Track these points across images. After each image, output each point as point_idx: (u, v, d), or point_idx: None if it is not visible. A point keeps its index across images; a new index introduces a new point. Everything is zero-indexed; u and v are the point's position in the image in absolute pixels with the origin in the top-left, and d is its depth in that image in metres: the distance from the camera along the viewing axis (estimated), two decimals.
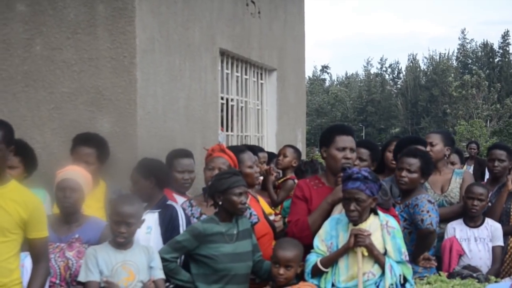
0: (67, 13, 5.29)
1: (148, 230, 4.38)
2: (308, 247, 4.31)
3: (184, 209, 4.62)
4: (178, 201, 4.84)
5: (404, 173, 5.11)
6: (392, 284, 4.11)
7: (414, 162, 5.10)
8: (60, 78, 5.32)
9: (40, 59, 5.35)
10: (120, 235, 3.96)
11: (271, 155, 6.98)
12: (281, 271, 4.18)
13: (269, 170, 6.21)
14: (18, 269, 3.60)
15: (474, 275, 4.90)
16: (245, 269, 4.31)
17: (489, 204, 5.69)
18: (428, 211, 4.89)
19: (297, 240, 4.35)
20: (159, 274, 4.06)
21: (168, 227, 4.38)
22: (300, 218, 4.46)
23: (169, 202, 4.56)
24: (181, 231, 4.36)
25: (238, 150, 5.28)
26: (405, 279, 4.21)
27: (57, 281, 4.07)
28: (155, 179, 4.56)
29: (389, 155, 5.95)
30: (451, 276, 4.94)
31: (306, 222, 4.41)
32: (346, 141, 4.51)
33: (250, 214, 4.71)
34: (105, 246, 4.01)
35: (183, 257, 4.33)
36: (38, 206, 3.62)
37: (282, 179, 6.47)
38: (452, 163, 6.93)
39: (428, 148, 5.64)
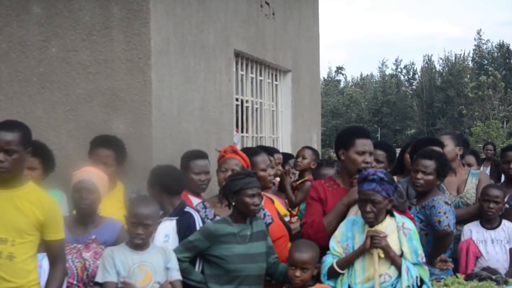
0: (83, 15, 5.31)
1: (166, 238, 4.37)
2: (323, 249, 4.29)
3: (197, 211, 4.62)
4: (194, 203, 4.83)
5: (419, 175, 5.08)
6: (408, 286, 4.09)
7: (430, 164, 5.07)
8: (76, 80, 5.34)
9: (56, 61, 5.37)
10: (137, 236, 3.98)
11: (286, 156, 6.95)
12: (298, 273, 4.17)
13: (288, 171, 6.18)
14: (35, 270, 3.62)
15: (493, 277, 4.86)
16: (258, 270, 4.29)
17: (507, 206, 5.64)
18: (445, 213, 4.86)
19: (313, 241, 4.33)
20: (176, 275, 4.07)
21: (186, 235, 4.37)
22: (315, 219, 4.44)
23: (187, 209, 4.54)
24: None
25: (251, 152, 5.27)
26: (422, 281, 4.19)
27: (75, 282, 4.09)
28: (160, 187, 4.55)
29: (408, 156, 5.91)
30: (469, 277, 4.90)
31: (322, 223, 4.40)
32: (366, 144, 4.48)
33: (264, 215, 4.69)
34: (122, 247, 4.02)
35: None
36: (54, 208, 3.64)
37: (300, 181, 6.44)
38: (469, 165, 6.87)
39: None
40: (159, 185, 4.55)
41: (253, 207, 4.24)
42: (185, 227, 4.40)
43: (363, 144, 4.48)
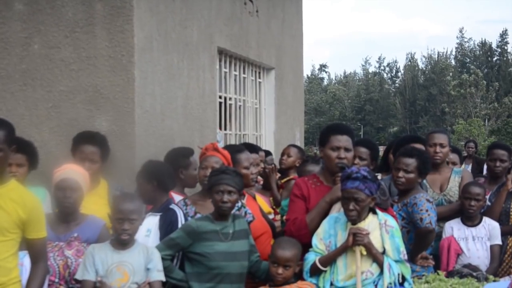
0: (65, 11, 5.29)
1: (148, 233, 4.38)
2: (305, 246, 4.30)
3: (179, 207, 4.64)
4: (177, 200, 4.84)
5: (401, 174, 5.10)
6: (390, 283, 4.12)
7: (411, 162, 5.09)
8: (58, 77, 5.31)
9: (38, 58, 5.34)
10: (123, 232, 3.96)
11: (264, 153, 6.89)
12: (280, 270, 4.17)
13: (274, 168, 6.17)
14: (16, 268, 3.60)
15: (474, 274, 4.90)
16: (239, 268, 4.28)
17: (489, 203, 5.69)
18: (427, 210, 4.89)
19: (295, 238, 4.35)
20: (156, 276, 4.04)
21: (168, 231, 4.38)
22: (298, 216, 4.45)
23: (172, 206, 4.56)
24: None
25: (235, 150, 5.27)
26: (404, 278, 4.22)
27: (56, 280, 4.07)
28: (157, 182, 4.58)
29: (391, 156, 5.93)
30: (450, 274, 4.95)
31: (304, 220, 4.41)
32: (341, 140, 4.49)
33: (245, 213, 4.69)
34: (104, 246, 4.01)
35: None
36: (37, 206, 3.61)
37: (285, 179, 6.44)
38: (453, 163, 6.88)
39: (437, 149, 5.62)
40: (156, 180, 4.58)
41: (220, 204, 4.22)
42: (167, 223, 4.41)
43: (338, 140, 4.49)
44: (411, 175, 5.08)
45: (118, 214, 3.97)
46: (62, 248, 4.11)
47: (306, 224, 4.39)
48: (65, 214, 4.20)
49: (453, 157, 7.14)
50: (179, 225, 4.41)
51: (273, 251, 4.24)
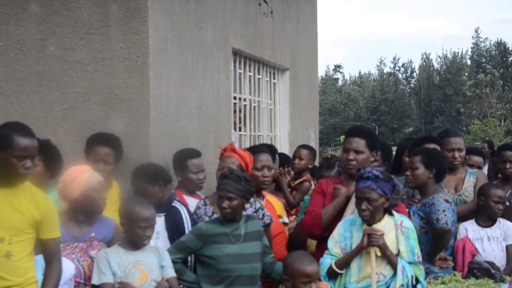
0: (81, 13, 5.31)
1: (157, 235, 4.38)
2: (318, 239, 4.34)
3: (198, 208, 4.64)
4: (189, 203, 4.82)
5: (408, 172, 5.16)
6: (402, 285, 4.10)
7: (415, 159, 5.14)
8: (74, 78, 5.33)
9: (54, 60, 5.37)
10: (147, 238, 4.01)
11: (283, 158, 6.79)
12: (314, 286, 3.95)
13: (284, 172, 6.16)
14: (33, 268, 3.61)
15: (492, 271, 4.87)
16: (250, 270, 4.24)
17: (507, 203, 5.65)
18: (444, 210, 4.86)
19: (309, 230, 4.50)
20: (171, 273, 4.07)
21: (174, 230, 4.40)
22: (315, 209, 4.55)
23: (174, 203, 4.55)
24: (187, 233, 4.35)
25: (253, 150, 5.27)
26: (417, 280, 4.19)
27: (82, 281, 4.06)
28: (163, 181, 4.60)
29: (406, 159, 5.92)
30: (470, 263, 4.98)
31: (319, 212, 4.49)
32: (352, 142, 4.58)
33: (263, 215, 4.68)
34: (115, 249, 4.02)
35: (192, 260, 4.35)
36: (50, 206, 3.63)
37: (298, 181, 6.43)
38: (479, 167, 6.70)
39: (456, 154, 5.61)
40: (162, 179, 4.60)
41: (220, 210, 4.23)
42: (172, 222, 4.45)
43: (348, 142, 4.61)
44: (416, 171, 5.09)
45: (142, 222, 3.97)
46: (84, 248, 4.10)
47: (320, 215, 4.46)
48: (87, 214, 4.18)
49: (478, 160, 6.94)
50: (185, 223, 4.44)
51: (301, 270, 3.93)
